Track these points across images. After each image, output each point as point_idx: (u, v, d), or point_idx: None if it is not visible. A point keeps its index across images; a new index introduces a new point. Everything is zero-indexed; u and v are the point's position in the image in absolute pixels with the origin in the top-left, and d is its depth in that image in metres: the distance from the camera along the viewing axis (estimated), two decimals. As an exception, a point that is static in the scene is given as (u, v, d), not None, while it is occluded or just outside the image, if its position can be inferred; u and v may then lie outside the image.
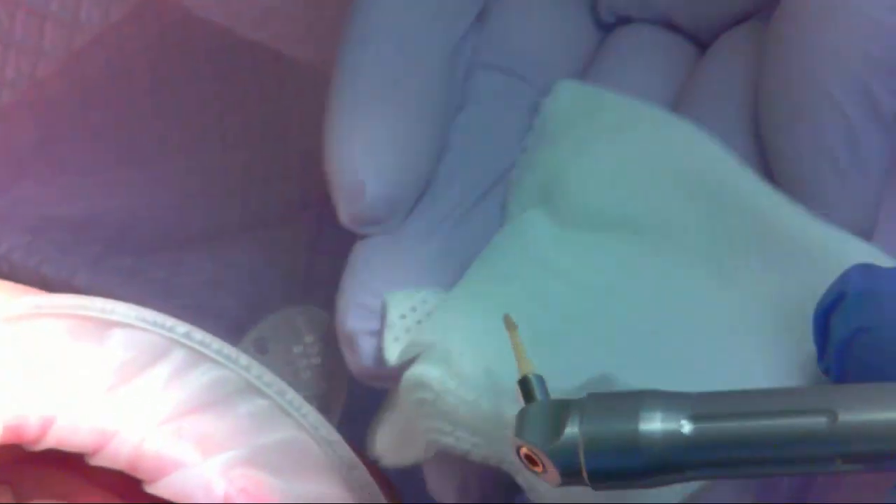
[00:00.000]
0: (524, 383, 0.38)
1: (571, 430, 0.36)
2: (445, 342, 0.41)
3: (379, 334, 0.42)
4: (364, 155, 0.42)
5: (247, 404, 0.44)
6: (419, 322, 0.42)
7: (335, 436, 0.44)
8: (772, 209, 0.43)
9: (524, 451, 0.37)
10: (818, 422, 0.35)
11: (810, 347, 0.40)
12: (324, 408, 0.45)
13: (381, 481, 0.45)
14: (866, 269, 0.39)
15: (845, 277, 0.39)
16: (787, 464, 0.36)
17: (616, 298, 0.42)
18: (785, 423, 0.35)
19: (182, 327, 0.43)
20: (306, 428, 0.44)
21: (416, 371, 0.41)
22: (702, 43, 0.48)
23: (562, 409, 0.37)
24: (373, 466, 0.43)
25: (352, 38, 0.44)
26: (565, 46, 0.48)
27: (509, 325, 0.39)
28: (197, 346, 0.44)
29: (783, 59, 0.43)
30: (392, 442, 0.42)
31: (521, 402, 0.38)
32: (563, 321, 0.42)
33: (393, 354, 0.42)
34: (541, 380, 0.38)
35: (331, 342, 0.46)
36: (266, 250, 0.55)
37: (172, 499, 0.42)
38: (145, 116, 0.56)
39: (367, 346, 0.42)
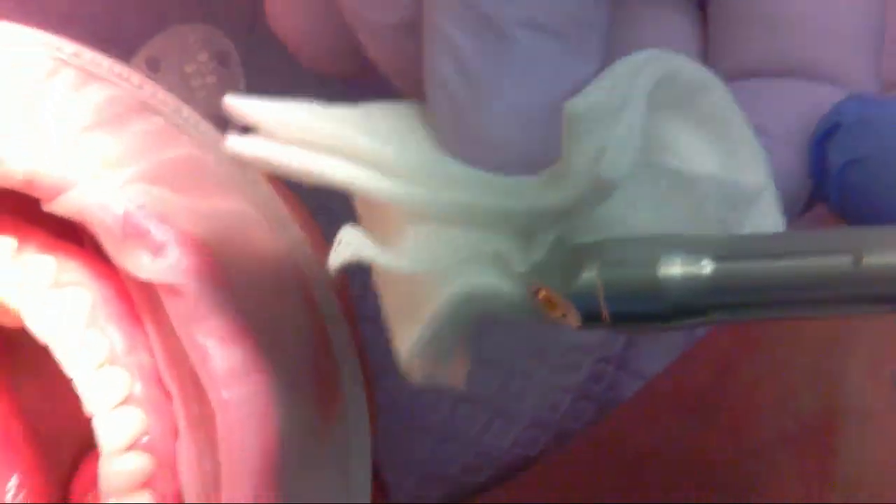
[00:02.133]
0: None
1: (589, 274, 0.35)
2: None
3: None
4: None
5: (142, 122, 0.43)
6: None
7: (234, 152, 0.44)
8: None
9: (543, 294, 0.36)
10: (843, 261, 0.34)
11: None
12: (221, 126, 0.45)
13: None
14: (861, 98, 0.38)
15: (840, 107, 0.38)
16: (812, 305, 0.35)
17: None
18: (809, 262, 0.34)
19: (70, 47, 0.43)
20: (204, 144, 0.44)
21: None
22: None
23: (580, 253, 0.36)
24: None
25: None
26: None
27: None
28: (87, 66, 0.43)
29: None
30: None
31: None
32: None
33: None
34: None
35: (225, 62, 0.46)
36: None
37: (70, 216, 0.42)
38: None
39: None
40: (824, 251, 0.34)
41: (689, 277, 0.35)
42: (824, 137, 0.38)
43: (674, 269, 0.35)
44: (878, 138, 0.37)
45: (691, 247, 0.35)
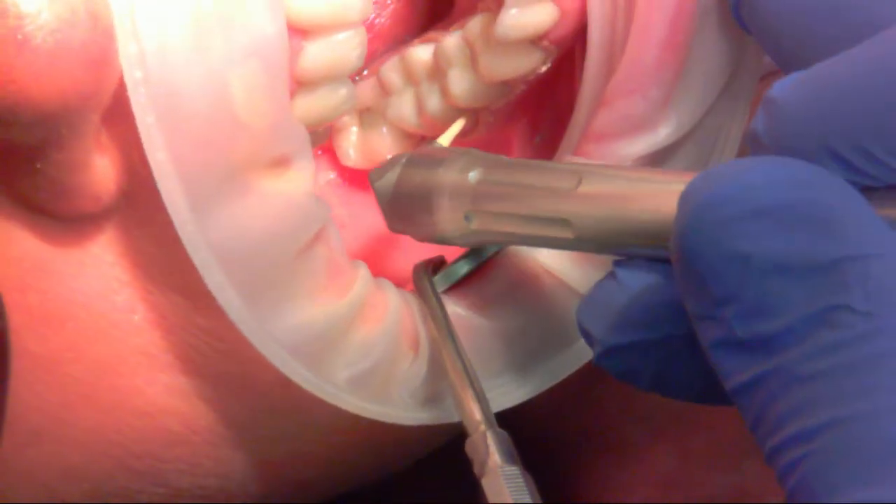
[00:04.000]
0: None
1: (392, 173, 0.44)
2: None
3: None
4: None
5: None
6: None
7: None
8: None
9: None
10: (566, 181, 0.38)
11: None
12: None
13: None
14: None
15: None
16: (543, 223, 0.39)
17: None
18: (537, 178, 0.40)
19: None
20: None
21: None
22: None
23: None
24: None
25: None
26: None
27: None
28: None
29: None
30: None
31: None
32: None
33: None
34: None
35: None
36: None
37: None
38: None
39: None
40: (555, 171, 0.39)
41: (457, 184, 0.41)
42: None
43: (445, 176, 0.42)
44: None
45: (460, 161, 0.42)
